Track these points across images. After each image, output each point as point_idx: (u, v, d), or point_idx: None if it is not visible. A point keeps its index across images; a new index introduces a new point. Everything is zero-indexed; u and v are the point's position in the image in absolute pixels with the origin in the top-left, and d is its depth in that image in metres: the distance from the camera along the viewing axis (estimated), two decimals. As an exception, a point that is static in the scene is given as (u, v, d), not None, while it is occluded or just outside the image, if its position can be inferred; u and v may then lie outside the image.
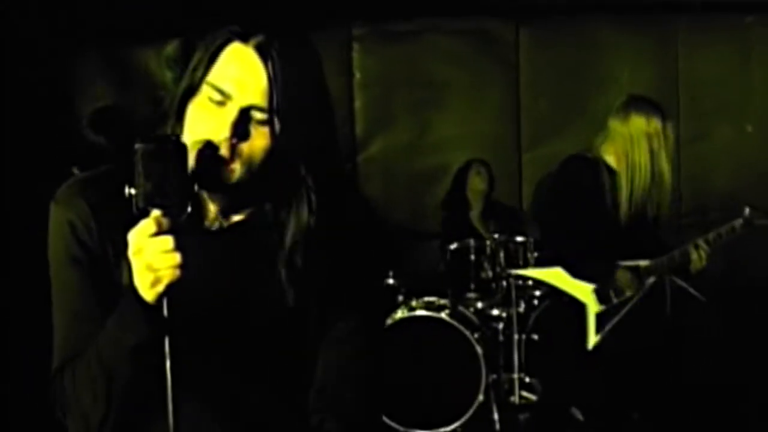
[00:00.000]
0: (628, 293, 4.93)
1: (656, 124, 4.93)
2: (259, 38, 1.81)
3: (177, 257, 1.68)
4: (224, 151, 1.80)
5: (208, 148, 1.80)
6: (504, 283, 5.84)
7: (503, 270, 5.84)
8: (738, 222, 4.99)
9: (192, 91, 1.85)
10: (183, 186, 1.70)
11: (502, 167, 7.41)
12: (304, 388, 2.02)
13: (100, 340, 1.83)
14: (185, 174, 1.71)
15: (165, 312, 1.76)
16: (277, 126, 1.81)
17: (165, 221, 1.68)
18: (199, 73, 1.84)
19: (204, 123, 1.82)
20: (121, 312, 1.80)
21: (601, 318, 4.95)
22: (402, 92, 7.81)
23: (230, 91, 1.81)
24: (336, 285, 1.99)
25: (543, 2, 7.73)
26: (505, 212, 6.99)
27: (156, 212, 1.69)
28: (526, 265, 5.79)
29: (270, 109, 1.80)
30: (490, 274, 5.87)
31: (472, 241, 5.92)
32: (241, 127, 1.81)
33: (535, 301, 5.85)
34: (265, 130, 1.82)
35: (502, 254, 5.83)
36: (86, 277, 1.91)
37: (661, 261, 4.96)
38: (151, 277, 1.69)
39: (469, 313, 5.85)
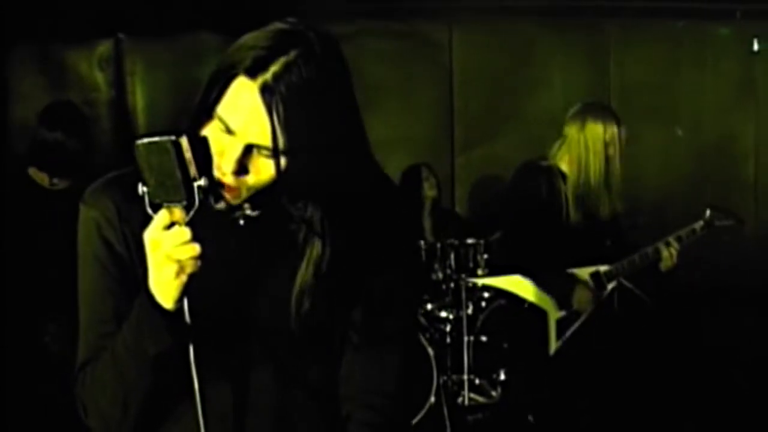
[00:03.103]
0: (590, 309, 4.97)
1: (612, 131, 4.98)
2: (266, 77, 1.72)
3: (196, 248, 1.69)
4: (230, 182, 1.78)
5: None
6: (452, 284, 5.86)
7: (453, 272, 5.85)
8: (698, 224, 5.05)
9: (205, 116, 1.81)
10: (185, 181, 1.70)
11: (435, 170, 7.40)
12: (331, 379, 2.00)
13: (116, 347, 1.83)
14: (185, 169, 1.70)
15: (187, 318, 1.76)
16: (284, 163, 1.76)
17: (179, 213, 1.70)
18: (209, 100, 1.79)
19: (215, 150, 1.79)
20: (138, 320, 1.79)
21: (561, 323, 4.98)
22: (335, 94, 7.75)
23: (234, 128, 1.76)
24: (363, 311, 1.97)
25: (476, 5, 7.76)
26: (452, 217, 7.00)
27: (170, 206, 1.70)
28: (476, 268, 5.81)
29: (275, 149, 1.75)
30: (440, 276, 5.88)
31: (422, 244, 5.92)
32: (246, 162, 1.78)
33: (483, 303, 5.87)
34: (272, 163, 1.77)
35: (452, 257, 5.85)
36: (108, 277, 1.91)
37: (621, 265, 5.01)
38: (174, 267, 1.70)
39: (417, 314, 5.85)
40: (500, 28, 7.79)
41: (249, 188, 1.81)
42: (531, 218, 5.01)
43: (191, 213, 1.71)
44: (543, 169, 5.06)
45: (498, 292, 5.62)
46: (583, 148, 4.95)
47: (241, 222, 1.92)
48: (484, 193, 7.66)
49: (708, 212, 5.05)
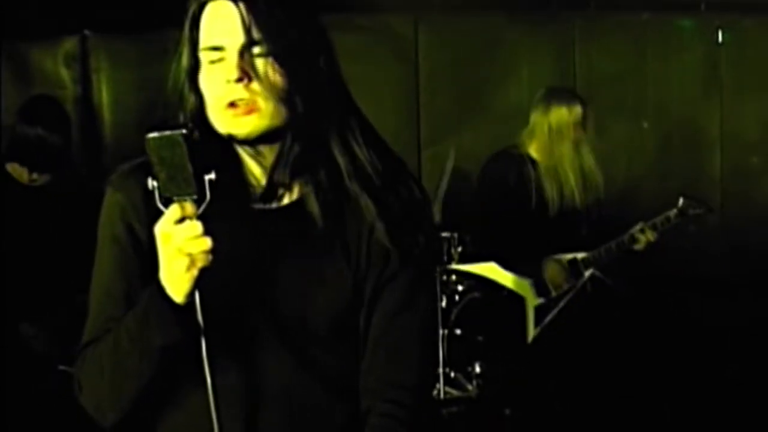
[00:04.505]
0: (565, 287, 5.00)
1: (577, 113, 5.01)
2: None
3: (207, 242, 1.70)
4: (241, 94, 1.81)
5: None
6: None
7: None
8: (673, 212, 5.09)
9: (195, 69, 1.87)
10: (197, 174, 1.70)
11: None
12: (348, 372, 2.00)
13: (119, 333, 1.84)
14: (198, 161, 1.70)
15: (199, 313, 1.77)
16: (278, 65, 1.82)
17: (190, 207, 1.70)
18: (187, 51, 1.87)
19: (214, 85, 1.84)
20: (146, 311, 1.80)
21: (538, 311, 5.00)
22: (301, 89, 7.70)
23: (221, 42, 1.83)
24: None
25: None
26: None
27: (181, 200, 1.71)
28: (450, 261, 5.80)
29: (263, 44, 1.82)
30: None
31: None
32: (246, 65, 1.82)
33: (457, 296, 5.86)
34: (269, 67, 1.83)
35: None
36: (125, 261, 1.93)
37: (598, 252, 5.04)
38: (185, 261, 1.70)
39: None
40: (466, 22, 7.78)
41: (265, 97, 1.84)
42: (501, 207, 5.03)
43: (203, 207, 1.71)
44: (513, 157, 5.09)
45: (472, 285, 5.62)
46: (548, 132, 4.97)
47: (262, 207, 1.95)
48: (450, 187, 7.64)
49: (681, 200, 5.09)
